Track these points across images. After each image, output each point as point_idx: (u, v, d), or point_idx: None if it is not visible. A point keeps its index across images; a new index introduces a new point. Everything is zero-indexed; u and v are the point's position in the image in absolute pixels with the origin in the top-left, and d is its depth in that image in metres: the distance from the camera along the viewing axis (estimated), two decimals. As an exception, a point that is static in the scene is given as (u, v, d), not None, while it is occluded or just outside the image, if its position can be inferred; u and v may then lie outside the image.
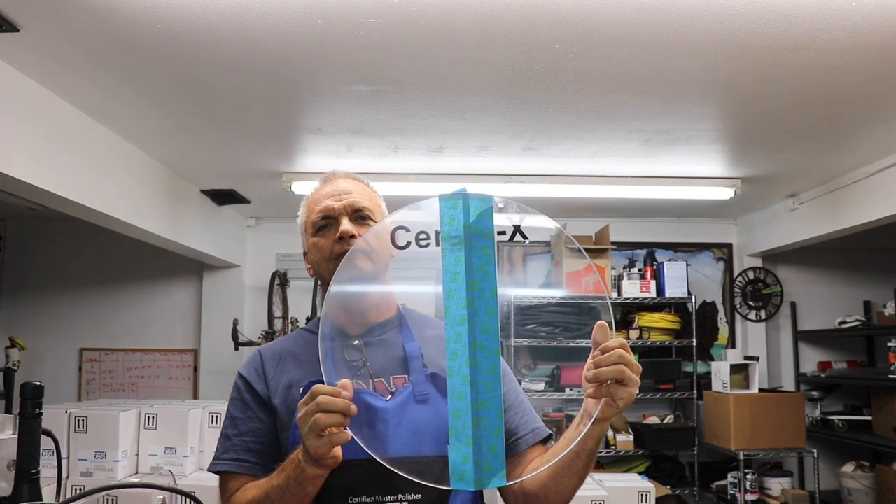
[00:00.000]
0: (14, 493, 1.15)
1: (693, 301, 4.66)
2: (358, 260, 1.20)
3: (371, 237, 1.22)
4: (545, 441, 1.28)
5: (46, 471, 1.24)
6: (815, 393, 4.86)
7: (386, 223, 1.15)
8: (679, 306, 4.85)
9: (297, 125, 3.13)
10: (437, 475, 1.03)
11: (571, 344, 4.46)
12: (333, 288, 1.17)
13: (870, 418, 4.64)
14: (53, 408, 2.53)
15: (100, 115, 2.97)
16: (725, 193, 4.11)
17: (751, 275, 5.15)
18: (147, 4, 2.00)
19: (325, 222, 1.30)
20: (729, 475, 4.52)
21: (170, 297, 5.21)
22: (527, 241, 1.09)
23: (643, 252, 5.14)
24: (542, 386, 4.59)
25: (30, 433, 1.16)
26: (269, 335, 4.42)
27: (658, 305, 4.79)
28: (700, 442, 4.63)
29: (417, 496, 1.15)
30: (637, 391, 1.02)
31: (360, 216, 1.30)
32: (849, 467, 4.52)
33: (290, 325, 4.78)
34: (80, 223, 3.37)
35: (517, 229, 1.08)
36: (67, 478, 2.47)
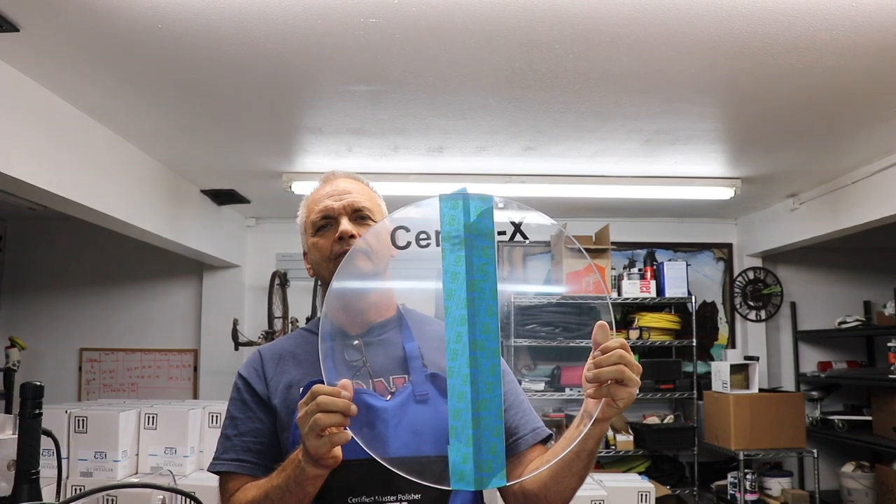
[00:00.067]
0: (14, 493, 1.15)
1: (693, 301, 4.66)
2: (358, 260, 1.20)
3: (371, 237, 1.22)
4: (545, 441, 1.28)
5: (46, 471, 1.24)
6: (815, 393, 4.86)
7: (386, 223, 1.15)
8: (679, 306, 4.85)
9: (297, 125, 3.13)
10: (437, 475, 1.03)
11: (571, 344, 4.46)
12: (333, 288, 1.17)
13: (870, 418, 4.64)
14: (53, 408, 2.53)
15: (100, 115, 2.97)
16: (725, 193, 4.11)
17: (751, 275, 5.15)
18: (147, 4, 2.00)
19: (325, 222, 1.30)
20: (729, 475, 4.52)
21: (170, 297, 5.21)
22: (527, 241, 1.09)
23: (643, 252, 5.14)
24: (542, 386, 4.59)
25: (30, 433, 1.16)
26: (269, 335, 4.42)
27: (658, 305, 4.79)
28: (700, 442, 4.63)
29: (417, 496, 1.15)
30: (637, 391, 1.03)
31: (359, 216, 1.30)
32: (849, 467, 4.53)
33: (290, 325, 4.78)
34: (80, 223, 3.38)
35: (517, 229, 1.08)
36: (67, 478, 2.46)
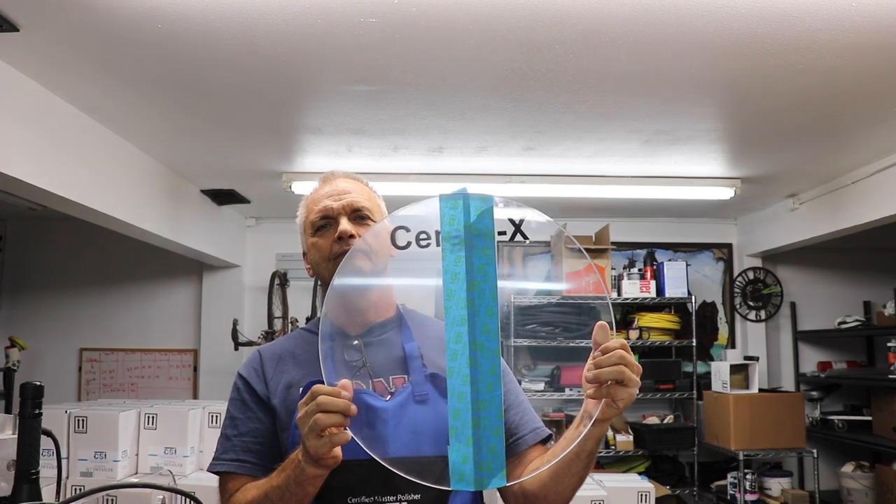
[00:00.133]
0: (14, 493, 1.15)
1: (693, 301, 4.66)
2: (357, 260, 1.20)
3: (370, 237, 1.22)
4: (545, 441, 1.28)
5: (46, 471, 1.24)
6: (814, 393, 4.86)
7: (385, 223, 1.14)
8: (679, 306, 4.85)
9: (296, 125, 3.13)
10: (436, 475, 1.03)
11: (571, 344, 4.46)
12: (333, 288, 1.17)
13: (869, 418, 4.64)
14: (53, 408, 2.53)
15: (100, 115, 2.97)
16: (725, 193, 4.11)
17: (751, 275, 5.15)
18: (147, 4, 2.00)
19: (324, 222, 1.30)
20: (729, 475, 4.52)
21: (170, 297, 5.21)
22: (527, 242, 1.09)
23: (643, 252, 5.14)
24: (542, 386, 4.59)
25: (30, 433, 1.16)
26: (269, 335, 4.42)
27: (658, 305, 4.79)
28: (700, 442, 4.63)
29: (417, 496, 1.15)
30: (637, 392, 1.02)
31: (358, 216, 1.30)
32: (848, 467, 4.53)
33: (289, 325, 4.78)
34: (80, 223, 3.37)
35: (517, 229, 1.08)
36: (67, 478, 2.46)
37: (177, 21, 2.09)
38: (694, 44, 2.26)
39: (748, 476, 4.33)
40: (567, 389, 4.54)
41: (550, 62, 2.42)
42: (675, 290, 4.65)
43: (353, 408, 1.00)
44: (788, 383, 5.12)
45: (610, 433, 4.56)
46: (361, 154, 3.54)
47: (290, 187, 3.92)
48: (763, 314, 5.14)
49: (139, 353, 5.16)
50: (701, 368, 4.92)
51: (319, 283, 1.63)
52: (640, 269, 4.76)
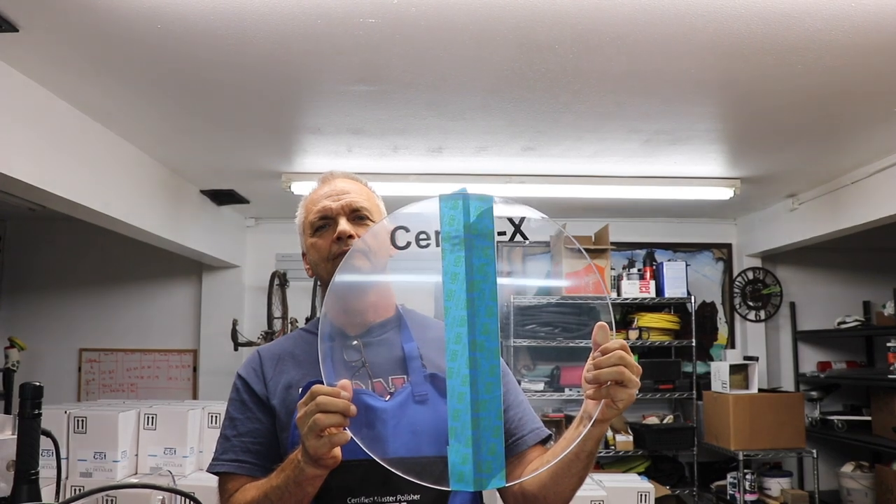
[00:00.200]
0: (13, 493, 1.15)
1: (692, 301, 4.66)
2: (356, 260, 1.20)
3: (369, 237, 1.22)
4: (545, 441, 1.28)
5: (46, 471, 1.24)
6: (814, 393, 4.86)
7: (385, 223, 1.14)
8: (678, 306, 4.85)
9: (296, 125, 3.13)
10: (436, 476, 1.03)
11: (571, 344, 4.46)
12: (332, 288, 1.17)
13: (869, 418, 4.64)
14: (53, 408, 2.52)
15: (100, 115, 2.97)
16: (725, 193, 4.11)
17: (750, 275, 5.15)
18: (147, 5, 2.00)
19: (323, 223, 1.30)
20: (728, 475, 4.52)
21: (170, 297, 5.21)
22: (527, 242, 1.09)
23: (643, 252, 5.14)
24: (541, 386, 4.59)
25: (29, 433, 1.16)
26: (269, 335, 4.42)
27: (657, 306, 4.79)
28: (699, 442, 4.63)
29: (416, 496, 1.15)
30: (637, 392, 1.02)
31: (358, 216, 1.30)
32: (848, 467, 4.53)
33: (289, 325, 4.78)
34: (80, 223, 3.37)
35: (517, 229, 1.08)
36: (67, 478, 2.46)
37: (176, 21, 2.09)
38: (694, 44, 2.26)
39: (748, 476, 4.33)
40: (567, 390, 4.54)
41: (550, 62, 2.42)
42: (674, 290, 4.65)
43: (353, 408, 1.00)
44: (788, 383, 5.12)
45: (610, 433, 4.56)
46: (361, 154, 3.54)
47: (290, 187, 3.92)
48: (763, 314, 5.14)
49: (139, 354, 5.15)
50: (700, 368, 4.92)
51: (319, 283, 1.63)
52: (639, 270, 4.76)
